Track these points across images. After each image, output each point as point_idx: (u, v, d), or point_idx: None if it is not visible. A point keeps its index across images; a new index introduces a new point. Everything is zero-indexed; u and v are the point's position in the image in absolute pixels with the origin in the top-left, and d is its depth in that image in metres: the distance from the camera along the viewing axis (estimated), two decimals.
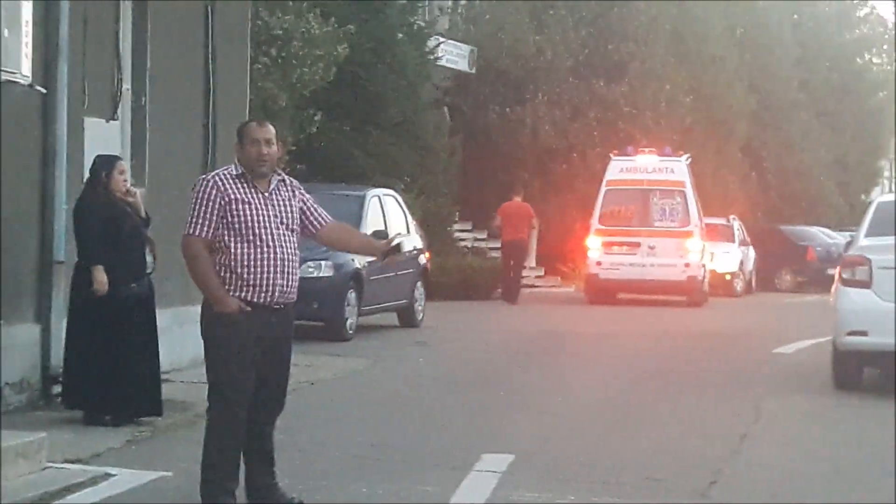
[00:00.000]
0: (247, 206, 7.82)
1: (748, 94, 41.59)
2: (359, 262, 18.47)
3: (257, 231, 7.81)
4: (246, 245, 7.81)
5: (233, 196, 7.82)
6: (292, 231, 7.93)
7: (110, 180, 11.10)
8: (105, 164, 11.21)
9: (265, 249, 7.82)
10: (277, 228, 7.85)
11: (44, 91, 11.56)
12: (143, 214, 11.38)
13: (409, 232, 20.70)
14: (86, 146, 12.52)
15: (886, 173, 60.75)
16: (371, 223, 19.13)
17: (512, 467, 9.99)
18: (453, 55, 33.63)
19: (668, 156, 29.33)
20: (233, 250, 7.84)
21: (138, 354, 11.20)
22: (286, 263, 7.87)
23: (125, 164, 11.53)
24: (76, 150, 12.33)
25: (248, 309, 7.80)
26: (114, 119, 13.20)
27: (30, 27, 10.96)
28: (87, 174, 12.21)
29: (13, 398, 11.61)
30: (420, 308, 20.77)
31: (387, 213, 19.93)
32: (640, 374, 15.97)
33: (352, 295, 18.22)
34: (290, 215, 7.92)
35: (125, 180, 11.27)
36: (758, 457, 10.82)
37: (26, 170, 11.83)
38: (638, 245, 28.25)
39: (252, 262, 7.81)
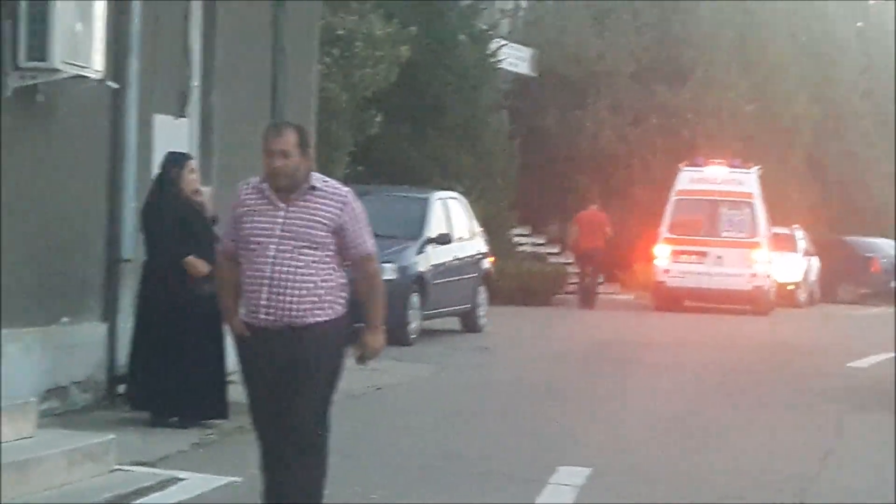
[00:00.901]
0: (254, 216, 7.03)
1: (811, 103, 41.10)
2: (422, 265, 18.24)
3: (254, 246, 7.00)
4: (245, 260, 7.06)
5: (246, 206, 7.08)
6: (307, 245, 6.96)
7: (180, 178, 10.91)
8: (176, 161, 11.02)
9: (257, 266, 6.98)
10: (281, 243, 6.96)
11: (116, 86, 11.37)
12: (210, 213, 11.19)
13: (472, 235, 20.46)
14: (154, 143, 12.35)
15: None
16: (435, 226, 18.89)
17: (589, 481, 9.71)
18: (514, 58, 33.33)
19: (738, 167, 29.82)
20: (242, 265, 7.13)
21: (205, 355, 10.99)
22: (277, 282, 6.93)
23: (195, 163, 11.32)
24: (144, 147, 12.15)
25: (246, 332, 7.09)
26: (182, 116, 13.02)
27: (102, 23, 10.77)
28: (155, 172, 12.05)
29: (79, 397, 11.45)
30: (482, 313, 20.50)
31: (451, 216, 19.68)
32: (713, 385, 15.66)
33: (415, 299, 17.98)
34: (306, 229, 6.98)
35: (195, 179, 11.08)
36: (843, 477, 10.47)
37: (95, 167, 11.66)
38: (705, 254, 28.70)
39: (247, 279, 7.05)
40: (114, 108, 11.76)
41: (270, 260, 6.94)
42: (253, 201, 7.07)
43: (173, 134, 12.73)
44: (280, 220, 6.98)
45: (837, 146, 45.15)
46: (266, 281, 6.94)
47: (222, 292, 7.29)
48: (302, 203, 7.01)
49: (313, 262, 6.97)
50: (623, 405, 13.75)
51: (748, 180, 29.52)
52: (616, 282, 34.06)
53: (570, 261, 32.10)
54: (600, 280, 33.32)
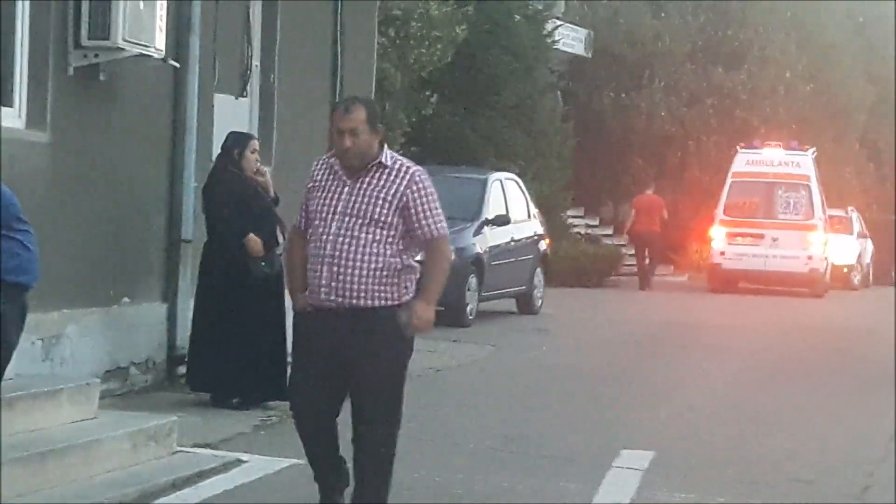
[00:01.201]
0: (320, 192, 6.86)
1: (866, 84, 40.72)
2: (480, 246, 18.13)
3: (318, 222, 6.81)
4: (311, 237, 6.88)
5: (315, 182, 6.93)
6: (370, 223, 6.73)
7: (242, 158, 10.86)
8: (238, 141, 10.97)
9: (319, 243, 6.79)
10: (343, 219, 6.75)
11: (177, 66, 11.32)
12: (272, 194, 11.14)
13: (529, 217, 20.34)
14: (215, 123, 12.30)
15: None
16: (493, 207, 18.78)
17: (653, 465, 9.61)
18: (569, 39, 33.12)
19: (795, 149, 29.68)
20: (308, 242, 6.94)
21: (266, 336, 10.94)
22: (337, 261, 6.71)
23: (257, 143, 11.25)
24: (205, 127, 12.09)
25: (309, 309, 6.86)
26: (243, 96, 12.97)
27: (164, 1, 10.71)
28: (215, 151, 12.00)
29: (138, 378, 11.42)
30: (539, 295, 20.39)
31: (508, 197, 19.56)
32: (773, 368, 15.53)
33: (473, 280, 17.88)
34: (370, 206, 6.74)
35: (257, 159, 11.02)
36: None
37: (156, 147, 11.61)
38: (762, 236, 28.62)
39: (311, 257, 6.85)
40: (175, 88, 11.69)
41: (332, 237, 6.74)
42: (322, 177, 6.91)
43: (234, 114, 12.68)
44: (345, 197, 6.78)
45: (891, 127, 44.75)
46: (327, 259, 6.73)
47: (290, 270, 7.12)
48: (368, 180, 6.80)
49: (377, 241, 6.72)
50: (683, 388, 13.63)
51: (804, 162, 29.40)
52: (669, 263, 33.86)
53: (623, 243, 31.99)
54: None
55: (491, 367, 14.64)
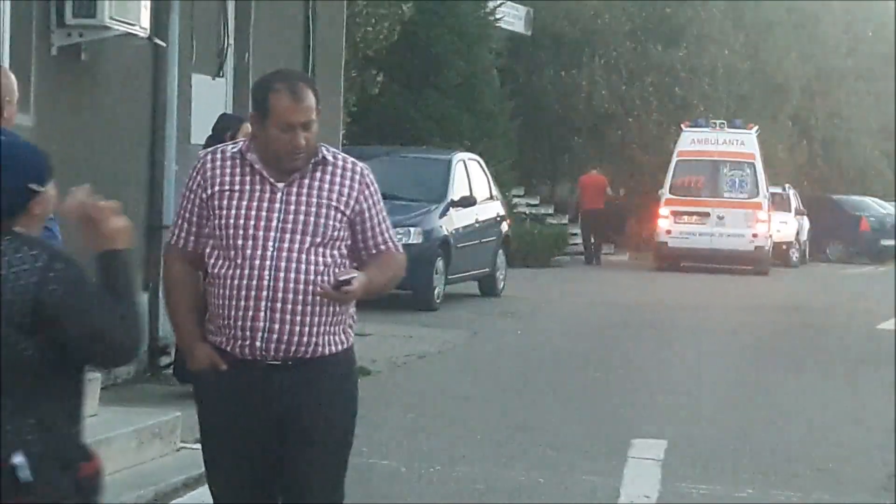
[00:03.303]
0: (238, 200, 4.90)
1: (801, 62, 40.86)
2: (446, 228, 17.81)
3: (239, 242, 4.87)
4: (223, 263, 4.90)
5: (222, 185, 4.93)
6: (319, 242, 4.89)
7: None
8: (231, 123, 10.56)
9: (245, 271, 4.86)
10: (282, 237, 4.87)
11: (164, 44, 10.90)
12: None
13: (492, 197, 20.05)
14: (193, 104, 11.90)
15: None
16: (458, 188, 18.47)
17: (669, 455, 9.36)
18: (510, 17, 32.83)
19: (739, 128, 29.57)
20: (211, 270, 4.95)
21: None
22: (280, 295, 4.83)
23: (249, 127, 10.82)
24: (184, 108, 11.69)
25: (222, 366, 4.91)
26: (220, 76, 12.56)
27: None
28: (193, 133, 11.61)
29: (120, 370, 11.00)
30: (501, 276, 20.11)
31: (471, 178, 19.25)
32: (757, 350, 15.42)
33: (440, 263, 17.57)
34: (317, 218, 4.90)
35: None
36: None
37: (136, 128, 11.21)
38: (708, 215, 28.57)
39: (227, 291, 4.87)
40: (155, 68, 11.28)
41: (269, 262, 4.83)
42: (233, 179, 4.93)
43: (211, 94, 12.28)
44: (279, 206, 4.89)
45: (822, 104, 44.97)
46: (264, 293, 4.82)
47: (176, 307, 5.03)
48: (309, 182, 4.93)
49: (327, 265, 4.88)
50: (677, 373, 13.42)
51: (749, 140, 29.40)
52: (611, 242, 33.74)
53: (565, 222, 31.85)
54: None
55: (472, 353, 14.35)
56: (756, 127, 30.29)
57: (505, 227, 20.34)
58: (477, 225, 18.94)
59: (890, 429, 10.49)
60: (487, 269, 19.54)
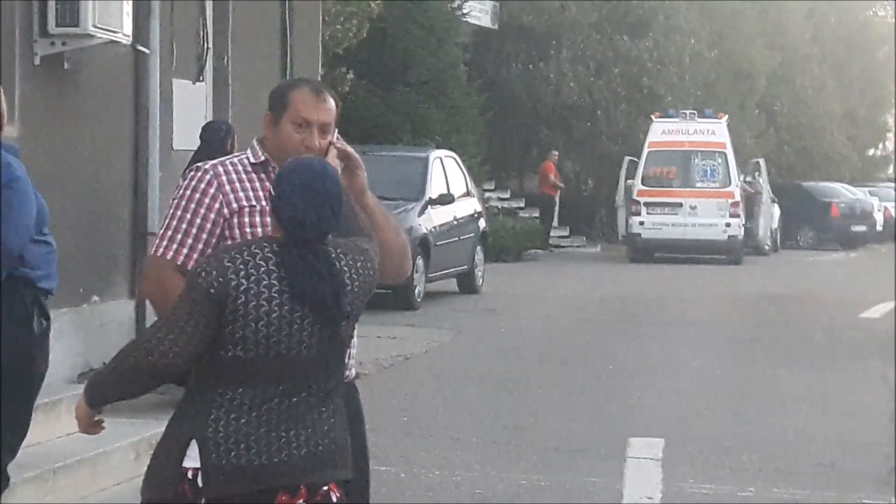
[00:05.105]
0: (255, 217, 4.42)
1: (767, 49, 40.96)
2: (425, 226, 17.74)
3: None
4: None
5: (245, 202, 4.42)
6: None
7: (225, 148, 10.34)
8: (228, 130, 10.46)
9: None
10: None
11: (147, 51, 10.80)
12: None
13: (468, 194, 19.99)
14: (174, 109, 11.79)
15: (892, 126, 60.18)
16: (436, 186, 18.40)
17: (667, 454, 9.33)
18: (476, 10, 32.77)
19: (709, 118, 29.53)
20: None
21: None
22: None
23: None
24: (166, 113, 11.58)
25: None
26: (200, 80, 12.45)
27: None
28: (176, 139, 11.53)
29: None
30: (480, 273, 20.04)
31: (448, 175, 19.18)
32: (743, 343, 15.41)
33: (419, 261, 17.49)
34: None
35: (237, 151, 10.54)
36: None
37: (119, 136, 11.09)
38: (680, 205, 28.46)
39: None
40: (136, 75, 11.17)
41: None
42: (255, 193, 4.44)
43: (191, 99, 12.18)
44: None
45: (788, 91, 45.10)
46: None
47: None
48: None
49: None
50: (666, 369, 13.38)
51: (720, 130, 29.34)
52: (581, 235, 33.74)
53: (536, 215, 31.83)
54: (565, 234, 33.23)
55: (459, 353, 14.26)
56: (726, 116, 30.31)
57: (482, 223, 20.27)
58: (455, 222, 18.87)
59: (888, 422, 10.48)
60: (466, 267, 19.48)
